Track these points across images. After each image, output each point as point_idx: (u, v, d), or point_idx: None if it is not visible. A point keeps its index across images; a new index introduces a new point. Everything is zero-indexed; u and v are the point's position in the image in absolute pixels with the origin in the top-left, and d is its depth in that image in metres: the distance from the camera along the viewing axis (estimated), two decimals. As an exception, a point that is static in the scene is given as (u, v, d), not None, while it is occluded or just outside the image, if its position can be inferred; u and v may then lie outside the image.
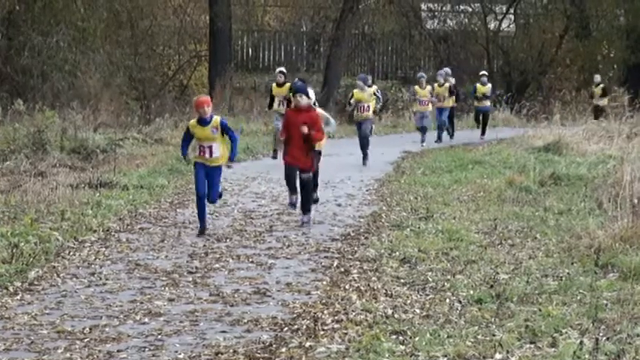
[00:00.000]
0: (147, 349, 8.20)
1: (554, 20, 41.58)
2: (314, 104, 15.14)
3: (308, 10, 42.32)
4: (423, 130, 26.96)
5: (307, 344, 8.20)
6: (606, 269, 10.94)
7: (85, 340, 8.47)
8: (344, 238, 13.46)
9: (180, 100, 34.52)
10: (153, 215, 15.14)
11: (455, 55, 40.85)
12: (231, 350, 8.14)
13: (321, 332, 8.59)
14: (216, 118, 13.57)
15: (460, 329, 8.59)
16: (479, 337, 8.36)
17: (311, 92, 15.64)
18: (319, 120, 14.45)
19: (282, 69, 22.84)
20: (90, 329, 8.79)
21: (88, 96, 28.63)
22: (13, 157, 20.22)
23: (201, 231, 13.58)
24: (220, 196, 14.24)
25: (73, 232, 13.19)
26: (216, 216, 15.02)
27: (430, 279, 10.71)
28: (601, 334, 8.30)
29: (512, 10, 42.29)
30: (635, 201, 13.28)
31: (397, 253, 12.03)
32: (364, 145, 22.02)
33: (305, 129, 14.00)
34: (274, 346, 8.23)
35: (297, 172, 14.37)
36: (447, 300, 9.78)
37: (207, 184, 13.62)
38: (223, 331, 8.74)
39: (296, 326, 8.85)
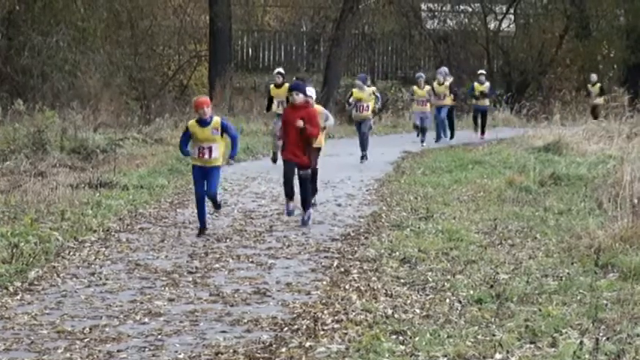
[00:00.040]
0: (147, 349, 8.20)
1: (554, 20, 41.56)
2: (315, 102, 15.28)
3: (308, 10, 42.31)
4: (422, 130, 26.97)
5: (307, 344, 8.20)
6: (606, 269, 10.94)
7: (85, 340, 8.47)
8: (344, 238, 13.46)
9: (180, 100, 34.51)
10: (153, 215, 15.14)
11: (455, 55, 40.83)
12: (231, 350, 8.14)
13: (321, 332, 8.59)
14: (217, 119, 13.51)
15: (460, 329, 8.59)
16: (479, 337, 8.36)
17: (312, 92, 15.67)
18: (316, 116, 14.47)
19: (281, 70, 22.71)
20: (90, 329, 8.80)
21: (88, 96, 28.63)
22: (13, 157, 20.22)
23: (201, 231, 13.58)
24: (219, 207, 14.12)
25: (73, 232, 13.19)
26: (216, 216, 15.02)
27: (430, 279, 10.71)
28: (601, 334, 8.30)
29: (512, 10, 42.26)
30: (635, 201, 13.28)
31: (397, 253, 12.03)
32: (364, 145, 22.02)
33: (300, 122, 14.04)
34: (274, 346, 8.23)
35: (295, 170, 14.33)
36: (447, 300, 9.78)
37: (207, 182, 13.57)
38: (223, 331, 8.74)
39: (296, 326, 8.85)
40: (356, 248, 12.61)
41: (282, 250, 12.61)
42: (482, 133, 29.08)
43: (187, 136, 13.60)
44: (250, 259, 11.99)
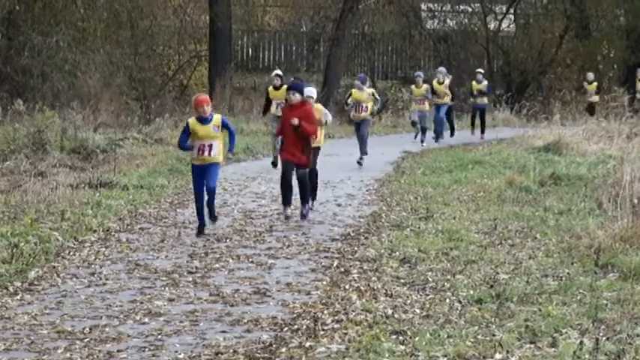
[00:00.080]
0: (147, 349, 8.20)
1: (554, 20, 41.55)
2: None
3: (308, 10, 42.30)
4: (422, 129, 27.01)
5: (307, 344, 8.20)
6: (606, 269, 10.94)
7: (85, 340, 8.47)
8: (344, 238, 13.46)
9: (180, 100, 34.50)
10: (153, 215, 15.15)
11: (455, 55, 40.82)
12: (231, 350, 8.14)
13: (321, 332, 8.59)
14: (218, 117, 13.54)
15: (460, 329, 8.59)
16: (479, 337, 8.37)
17: (314, 92, 15.69)
18: (312, 114, 14.44)
19: (279, 72, 22.38)
20: (90, 329, 8.80)
21: (88, 96, 28.62)
22: (13, 157, 20.22)
23: (200, 229, 13.58)
24: (215, 218, 13.80)
25: (73, 232, 13.19)
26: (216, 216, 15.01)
27: (430, 279, 10.72)
28: (601, 334, 8.30)
29: (512, 10, 42.25)
30: (635, 201, 13.28)
31: (397, 253, 12.04)
32: (363, 147, 21.80)
33: (295, 120, 14.03)
34: (274, 346, 8.23)
35: (293, 172, 14.33)
36: (447, 300, 9.78)
37: (206, 177, 13.48)
38: (223, 331, 8.74)
39: (296, 326, 8.85)
40: (356, 248, 12.61)
41: (282, 250, 12.61)
42: (482, 132, 29.11)
43: (187, 134, 13.52)
44: (250, 259, 11.99)
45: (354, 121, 22.61)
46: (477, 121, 29.38)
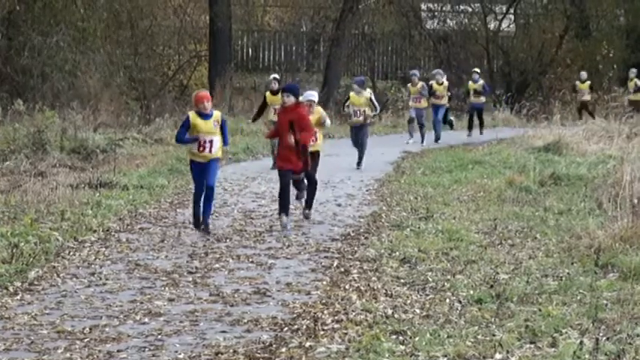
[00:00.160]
0: (147, 349, 8.20)
1: (554, 20, 41.55)
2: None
3: (308, 10, 42.30)
4: (420, 127, 27.05)
5: (307, 344, 8.20)
6: (606, 269, 10.94)
7: (85, 340, 8.47)
8: (344, 238, 13.47)
9: (180, 100, 34.50)
10: (153, 215, 15.15)
11: (455, 55, 40.83)
12: (231, 350, 8.14)
13: (321, 332, 8.59)
14: (218, 113, 13.58)
15: (460, 329, 8.60)
16: (479, 337, 8.37)
17: (315, 95, 15.61)
18: (306, 117, 14.19)
19: (276, 75, 22.02)
20: (90, 329, 8.80)
21: (88, 96, 28.62)
22: (13, 157, 20.23)
23: (196, 224, 13.57)
24: (208, 232, 13.48)
25: (73, 232, 13.19)
26: (216, 216, 15.02)
27: (430, 279, 10.72)
28: (601, 334, 8.30)
29: (512, 10, 42.25)
30: (635, 201, 13.28)
31: (397, 253, 12.04)
32: (361, 154, 21.35)
33: (291, 139, 13.80)
34: (274, 346, 8.23)
35: (291, 177, 14.09)
36: (447, 300, 9.78)
37: (205, 174, 13.44)
38: (223, 331, 8.74)
39: (296, 326, 8.85)
40: (356, 248, 12.61)
41: (282, 250, 12.61)
42: (481, 131, 29.14)
43: (186, 127, 13.42)
44: (250, 259, 11.99)
45: (350, 125, 22.06)
46: (476, 122, 29.37)
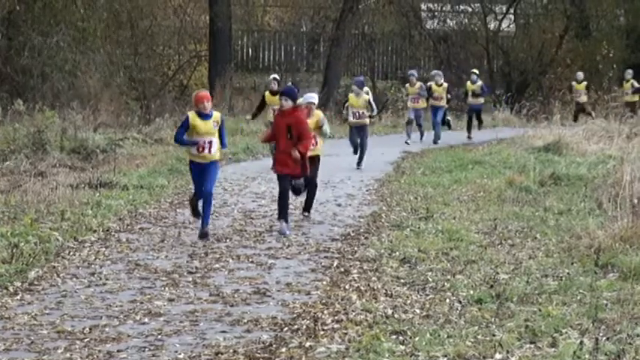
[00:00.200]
0: (147, 349, 8.20)
1: (554, 20, 41.56)
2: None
3: (308, 10, 42.30)
4: (419, 126, 27.06)
5: (307, 344, 8.21)
6: (606, 269, 10.95)
7: (85, 340, 8.48)
8: (344, 238, 13.47)
9: (180, 100, 34.50)
10: (153, 215, 15.15)
11: (455, 55, 40.84)
12: (231, 350, 8.14)
13: (321, 332, 8.59)
14: (217, 113, 13.44)
15: (460, 329, 8.60)
16: (479, 337, 8.37)
17: (315, 97, 15.56)
18: (304, 121, 14.02)
19: (276, 76, 22.06)
20: (90, 329, 8.80)
21: (88, 96, 28.62)
22: (13, 157, 20.23)
23: (195, 214, 13.55)
24: (207, 236, 13.23)
25: (73, 232, 13.19)
26: (216, 216, 15.02)
27: (430, 279, 10.72)
28: (601, 334, 8.30)
29: (512, 10, 42.26)
30: (635, 201, 13.29)
31: (397, 253, 12.04)
32: (361, 155, 21.32)
33: (296, 153, 13.72)
34: (274, 346, 8.24)
35: (290, 184, 13.99)
36: (447, 300, 9.78)
37: (204, 178, 13.30)
38: (223, 331, 8.75)
39: (296, 326, 8.85)
40: (356, 248, 12.61)
41: (282, 250, 12.61)
42: (479, 127, 29.11)
43: (185, 127, 13.27)
44: (250, 259, 11.99)
45: (350, 126, 21.96)
46: (475, 122, 29.33)
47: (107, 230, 13.69)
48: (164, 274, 11.14)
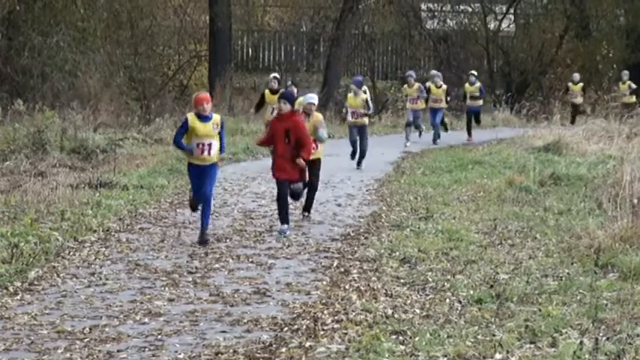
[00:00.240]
0: (147, 349, 8.20)
1: (554, 20, 41.57)
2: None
3: (308, 10, 42.31)
4: (417, 127, 27.03)
5: (307, 344, 8.21)
6: (606, 269, 10.95)
7: (85, 340, 8.48)
8: (344, 238, 13.47)
9: (180, 100, 34.49)
10: (153, 215, 15.14)
11: (455, 55, 40.84)
12: (231, 350, 8.14)
13: (321, 332, 8.59)
14: (217, 116, 13.23)
15: (460, 329, 8.60)
16: (479, 337, 8.37)
17: (315, 98, 15.52)
18: (303, 127, 13.88)
19: (276, 75, 22.11)
20: (90, 329, 8.80)
21: (88, 96, 28.62)
22: (13, 157, 20.23)
23: (194, 205, 13.56)
24: (207, 242, 13.02)
25: (73, 232, 13.19)
26: (216, 216, 15.02)
27: (430, 279, 10.72)
28: (601, 334, 8.30)
29: (512, 10, 42.26)
30: (635, 201, 13.29)
31: (397, 253, 12.04)
32: (362, 156, 21.25)
33: (301, 162, 13.69)
34: (274, 346, 8.24)
35: (289, 189, 13.88)
36: (447, 300, 9.78)
37: (203, 181, 13.14)
38: (223, 331, 8.75)
39: (296, 326, 8.85)
40: (356, 248, 12.61)
41: (282, 250, 12.61)
42: (478, 125, 29.08)
43: (185, 129, 13.08)
44: (250, 259, 11.99)
45: (349, 126, 21.90)
46: (473, 123, 29.30)
47: (107, 230, 13.69)
48: (164, 274, 11.14)
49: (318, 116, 15.19)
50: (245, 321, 9.09)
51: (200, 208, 13.42)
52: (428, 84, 27.82)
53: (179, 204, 16.22)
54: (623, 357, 7.70)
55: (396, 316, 9.14)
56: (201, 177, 13.16)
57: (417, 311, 9.36)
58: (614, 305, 9.36)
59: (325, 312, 9.30)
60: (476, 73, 30.19)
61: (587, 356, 7.63)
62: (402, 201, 16.67)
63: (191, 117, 13.06)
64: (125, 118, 27.88)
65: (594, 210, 14.68)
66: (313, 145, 14.31)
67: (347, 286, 10.43)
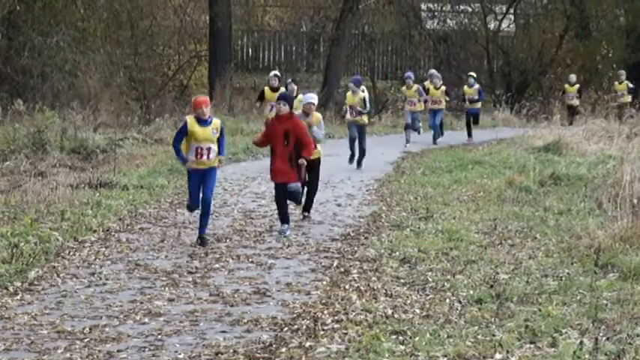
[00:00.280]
0: (147, 349, 8.20)
1: (554, 20, 41.55)
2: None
3: (308, 10, 42.30)
4: (417, 129, 27.02)
5: (307, 344, 8.21)
6: (606, 269, 10.95)
7: (85, 340, 8.48)
8: (344, 238, 13.47)
9: (180, 100, 34.49)
10: (153, 215, 15.14)
11: (455, 55, 40.83)
12: (231, 350, 8.14)
13: (321, 332, 8.59)
14: (217, 121, 13.10)
15: (460, 329, 8.60)
16: (479, 337, 8.37)
17: (315, 98, 15.51)
18: (302, 127, 13.85)
19: (277, 72, 22.19)
20: (90, 329, 8.80)
21: (88, 96, 28.61)
22: (13, 157, 20.23)
23: (190, 209, 13.51)
24: (206, 242, 12.98)
25: (73, 232, 13.19)
26: (216, 216, 15.02)
27: (430, 279, 10.72)
28: (601, 334, 8.30)
29: (512, 10, 42.26)
30: (635, 201, 13.29)
31: (397, 253, 12.04)
32: (361, 157, 21.24)
33: (303, 162, 13.69)
34: (274, 346, 8.24)
35: (288, 193, 13.83)
36: (447, 300, 9.78)
37: (203, 185, 13.05)
38: (223, 331, 8.75)
39: (296, 326, 8.85)
40: (356, 248, 12.61)
41: (282, 250, 12.61)
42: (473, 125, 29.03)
43: (183, 133, 12.98)
44: (250, 259, 11.99)
45: (348, 123, 21.90)
46: (472, 126, 29.25)
47: (107, 230, 13.69)
48: (164, 274, 11.14)
49: (317, 116, 15.21)
50: (245, 321, 9.09)
51: (199, 209, 13.38)
52: (426, 84, 27.77)
53: (179, 204, 16.21)
54: (623, 357, 7.70)
55: (396, 316, 9.14)
56: (201, 181, 13.09)
57: (417, 311, 9.36)
58: (614, 305, 9.37)
59: (325, 312, 9.30)
60: (475, 75, 30.11)
61: (587, 356, 7.63)
62: (402, 201, 16.67)
63: (190, 120, 12.97)
64: (125, 118, 27.88)
65: (594, 210, 14.68)
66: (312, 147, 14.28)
67: (347, 286, 10.43)
